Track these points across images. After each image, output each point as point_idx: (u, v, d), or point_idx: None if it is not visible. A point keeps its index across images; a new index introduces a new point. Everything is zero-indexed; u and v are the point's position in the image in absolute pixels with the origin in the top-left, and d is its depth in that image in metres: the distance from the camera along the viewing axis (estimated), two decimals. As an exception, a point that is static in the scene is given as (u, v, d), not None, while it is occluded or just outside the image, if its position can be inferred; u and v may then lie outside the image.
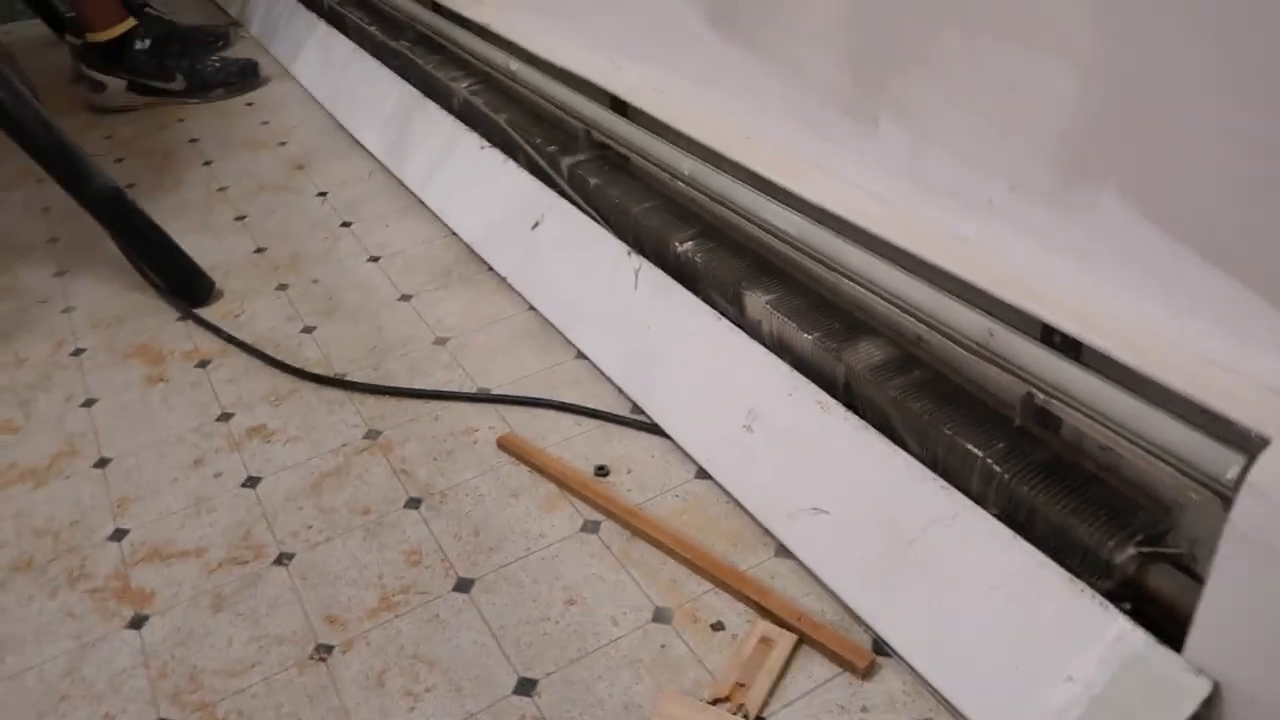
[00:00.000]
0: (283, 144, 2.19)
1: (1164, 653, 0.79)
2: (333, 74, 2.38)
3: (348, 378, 1.40)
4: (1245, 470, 0.70)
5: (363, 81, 2.24)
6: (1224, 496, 0.74)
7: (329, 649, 1.01)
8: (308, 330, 1.52)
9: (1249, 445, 0.73)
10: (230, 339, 1.51)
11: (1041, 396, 0.88)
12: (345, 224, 1.83)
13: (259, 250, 1.77)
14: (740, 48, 1.20)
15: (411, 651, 0.99)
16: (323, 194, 1.95)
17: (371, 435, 1.29)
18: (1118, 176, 0.80)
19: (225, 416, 1.35)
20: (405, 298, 1.58)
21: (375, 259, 1.71)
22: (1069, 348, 0.88)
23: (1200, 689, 0.77)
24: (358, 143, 2.13)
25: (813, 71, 1.09)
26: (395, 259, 1.70)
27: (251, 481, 1.23)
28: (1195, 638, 0.78)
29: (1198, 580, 0.83)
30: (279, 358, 1.45)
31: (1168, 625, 0.82)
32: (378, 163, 2.04)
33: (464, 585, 1.06)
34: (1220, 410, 0.74)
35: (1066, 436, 0.94)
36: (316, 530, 1.15)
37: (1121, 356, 0.81)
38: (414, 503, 1.18)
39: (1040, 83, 0.84)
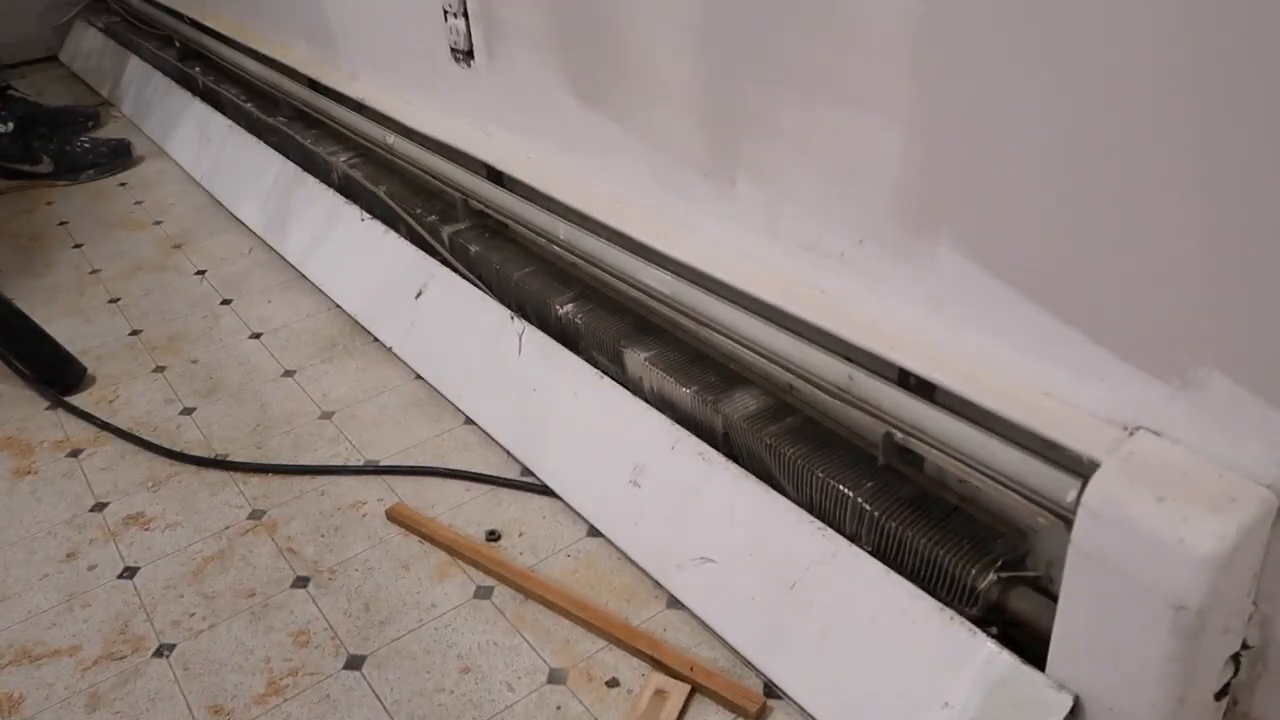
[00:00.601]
0: (158, 223, 2.15)
1: (1028, 672, 0.84)
2: (209, 151, 2.36)
3: (229, 458, 1.37)
4: (1080, 493, 0.76)
5: (240, 158, 2.22)
6: (1066, 519, 0.79)
7: (214, 741, 0.98)
8: (187, 412, 1.49)
9: (1083, 469, 0.78)
10: (104, 425, 1.46)
11: (900, 435, 0.93)
12: (225, 301, 1.80)
13: (134, 332, 1.72)
14: (604, 117, 1.24)
15: (301, 735, 0.97)
16: (201, 272, 1.92)
17: (255, 515, 1.27)
18: (949, 226, 0.86)
19: (99, 506, 1.31)
20: (289, 373, 1.57)
21: (257, 335, 1.68)
22: (923, 388, 0.93)
23: (1063, 704, 0.81)
24: (236, 219, 2.11)
25: (672, 138, 1.14)
26: (278, 334, 1.68)
27: (129, 572, 1.19)
28: (1055, 655, 0.82)
29: (1054, 600, 0.88)
30: (156, 441, 1.41)
31: (1033, 645, 0.87)
32: (258, 238, 2.02)
33: (355, 662, 1.05)
34: (1055, 438, 0.80)
35: (929, 472, 0.99)
36: (199, 618, 1.12)
37: (967, 393, 0.87)
38: (301, 581, 1.16)
39: (872, 141, 0.90)
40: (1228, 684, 0.79)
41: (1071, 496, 0.79)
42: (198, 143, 2.42)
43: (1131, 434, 0.77)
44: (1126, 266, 0.74)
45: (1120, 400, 0.78)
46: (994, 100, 0.78)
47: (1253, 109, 0.63)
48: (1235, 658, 0.78)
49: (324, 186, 1.92)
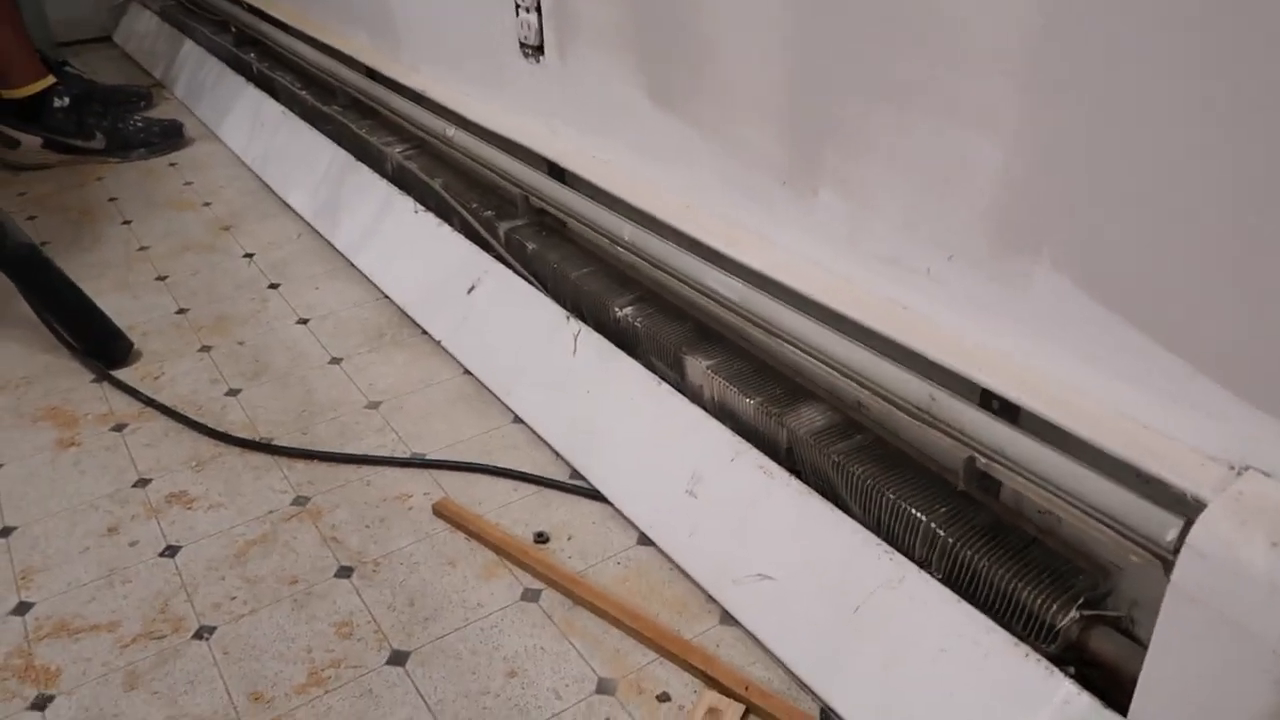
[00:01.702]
0: (207, 204, 2.15)
1: (1110, 716, 0.80)
2: (261, 136, 2.35)
3: (274, 442, 1.35)
4: (1184, 533, 0.72)
5: (292, 144, 2.22)
6: (1163, 559, 0.75)
7: (253, 729, 0.95)
8: (232, 393, 1.47)
9: (1186, 508, 0.75)
10: (149, 401, 1.44)
11: (983, 460, 0.90)
12: (273, 285, 1.79)
13: (181, 311, 1.71)
14: (680, 120, 1.22)
15: (342, 730, 0.94)
16: (249, 255, 1.91)
17: (300, 502, 1.25)
18: (1050, 246, 0.83)
19: (142, 482, 1.29)
20: (336, 360, 1.55)
21: (304, 321, 1.67)
22: (1007, 412, 0.90)
23: (1146, 751, 0.77)
24: (286, 205, 2.10)
25: (750, 143, 1.12)
26: (325, 321, 1.66)
27: (170, 551, 1.17)
28: (1140, 701, 0.79)
29: (1137, 643, 0.84)
30: (201, 420, 1.39)
31: (1110, 689, 0.83)
32: (307, 225, 2.01)
33: (399, 658, 1.02)
34: (1155, 473, 0.77)
35: (1006, 500, 0.96)
36: (240, 602, 1.09)
37: (1058, 420, 0.83)
38: (345, 571, 1.13)
39: (971, 156, 0.87)
40: (1323, 742, 0.76)
41: (1172, 535, 0.75)
42: (250, 128, 2.42)
43: (1240, 474, 0.74)
44: (1244, 295, 0.71)
45: (1228, 437, 0.75)
46: (1107, 118, 0.75)
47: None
48: (1334, 715, 0.74)
49: (377, 176, 1.91)
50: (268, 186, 2.20)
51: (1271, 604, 0.67)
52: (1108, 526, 0.80)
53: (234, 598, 1.10)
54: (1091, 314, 0.82)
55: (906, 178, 0.95)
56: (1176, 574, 0.72)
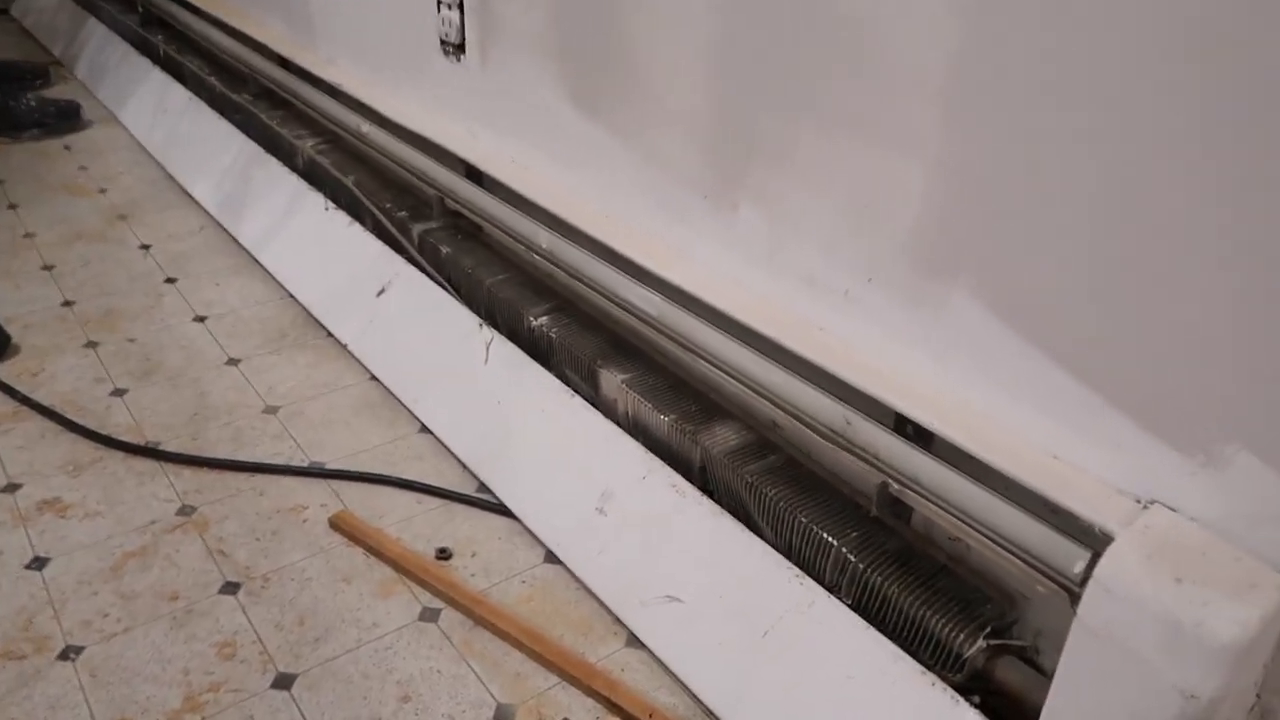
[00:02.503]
0: (104, 191, 2.03)
1: (1013, 747, 0.79)
2: (165, 122, 2.25)
3: (161, 447, 1.27)
4: (1091, 565, 0.72)
5: (198, 132, 2.12)
6: (1070, 590, 0.75)
7: (120, 759, 0.88)
8: (118, 393, 1.38)
9: (1093, 541, 0.75)
10: (25, 399, 1.35)
11: (896, 486, 0.89)
12: (170, 280, 1.70)
13: (67, 304, 1.61)
14: (602, 128, 1.19)
15: (219, 760, 0.88)
16: (146, 246, 1.81)
17: (186, 511, 1.17)
18: (968, 274, 0.83)
19: (11, 487, 1.20)
20: (233, 361, 1.47)
21: (202, 318, 1.58)
22: (922, 438, 0.89)
23: (1047, 784, 0.77)
24: (189, 195, 2.00)
25: (673, 156, 1.10)
26: (224, 319, 1.58)
27: (38, 562, 1.09)
28: (1043, 731, 0.78)
29: (1041, 672, 0.84)
30: (82, 422, 1.31)
31: (1013, 717, 0.83)
32: (210, 217, 1.92)
33: (284, 681, 0.96)
34: (1065, 504, 0.76)
35: (917, 526, 0.95)
36: (114, 619, 1.02)
37: (971, 448, 0.83)
38: (231, 587, 1.07)
39: (892, 179, 0.86)
40: (1218, 775, 0.76)
41: (1079, 568, 0.75)
42: (153, 113, 2.31)
43: (1146, 507, 0.74)
44: (1155, 333, 0.71)
45: (1136, 471, 0.75)
46: (1028, 151, 0.75)
47: (1317, 180, 0.60)
48: (1230, 749, 0.75)
49: (287, 170, 1.83)
50: (170, 175, 2.09)
51: (1175, 640, 0.67)
52: (1016, 556, 0.80)
53: (107, 615, 1.02)
54: (1006, 343, 0.81)
55: (828, 198, 0.93)
56: (1082, 607, 0.72)
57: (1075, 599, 0.73)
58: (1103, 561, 0.70)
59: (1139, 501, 0.75)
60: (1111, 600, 0.70)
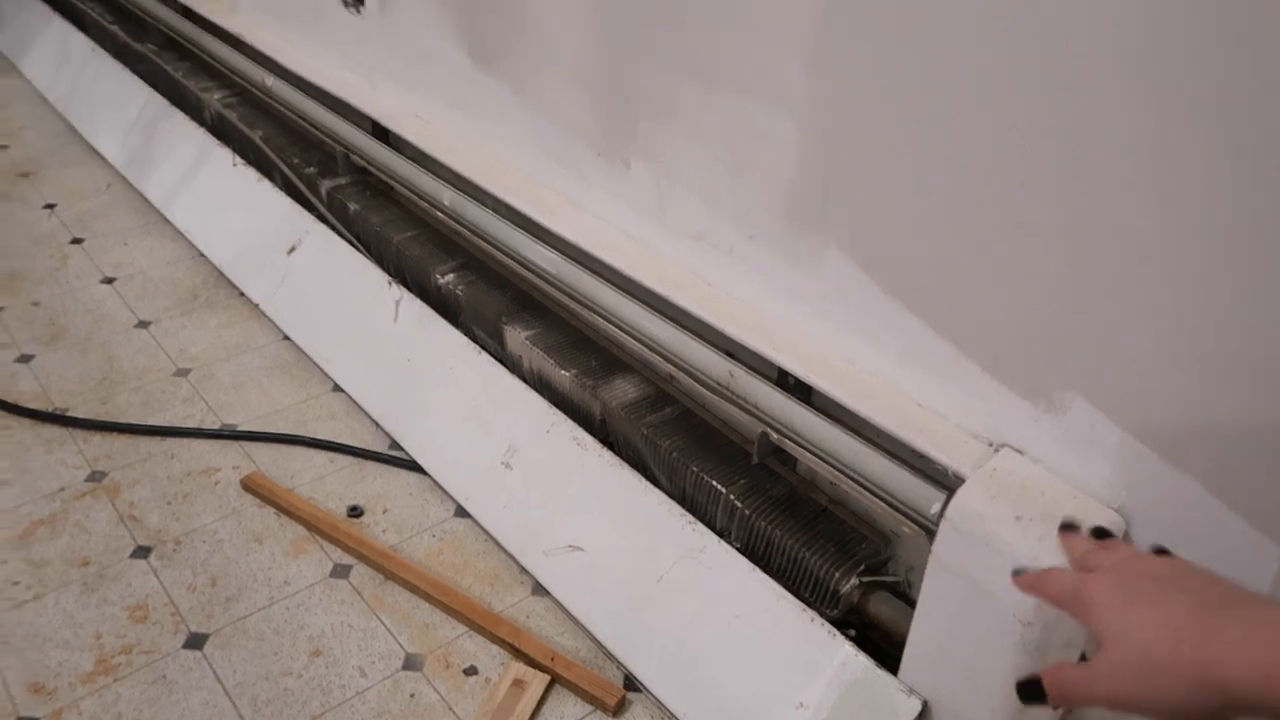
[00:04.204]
0: (4, 147, 1.98)
1: (881, 675, 0.85)
2: (68, 73, 2.18)
3: (69, 413, 1.27)
4: (945, 506, 0.77)
5: (102, 84, 2.06)
6: (929, 530, 0.80)
7: (32, 722, 0.90)
8: (24, 359, 1.37)
9: (949, 483, 0.80)
10: (-73, 369, 1.33)
11: (776, 436, 0.93)
12: (76, 240, 1.67)
13: (-32, 268, 1.58)
14: (500, 83, 1.20)
15: (132, 719, 0.91)
16: (50, 206, 1.77)
17: (95, 477, 1.18)
18: (838, 230, 0.86)
19: (-84, 459, 1.20)
20: (143, 324, 1.46)
21: (110, 280, 1.57)
22: (801, 390, 0.93)
23: (912, 708, 0.83)
24: (94, 150, 1.96)
25: (565, 110, 1.11)
26: (133, 280, 1.57)
27: (-54, 534, 1.09)
28: (908, 660, 0.84)
29: (912, 606, 0.90)
30: (-13, 391, 1.30)
31: (890, 648, 0.89)
32: (117, 174, 1.88)
33: (196, 641, 0.99)
34: (925, 450, 0.81)
35: (802, 472, 1.00)
36: (23, 587, 1.03)
37: (841, 398, 0.87)
38: (142, 551, 1.09)
39: (767, 133, 0.88)
40: (1065, 693, 0.83)
41: (935, 509, 0.80)
42: (55, 63, 2.23)
43: (997, 451, 0.79)
44: (1001, 285, 0.75)
45: (988, 416, 0.80)
46: (884, 105, 0.78)
47: (1130, 125, 0.64)
48: (1074, 668, 0.81)
49: (194, 125, 1.80)
50: (73, 129, 2.04)
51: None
52: (883, 500, 0.85)
53: (16, 583, 1.04)
54: (872, 294, 0.85)
55: (711, 152, 0.96)
56: (936, 545, 0.77)
57: (932, 537, 0.79)
58: (953, 502, 0.76)
59: (991, 445, 0.80)
60: (960, 538, 0.75)
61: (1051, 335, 0.73)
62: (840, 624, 0.90)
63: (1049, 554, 0.71)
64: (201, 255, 1.63)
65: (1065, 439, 0.75)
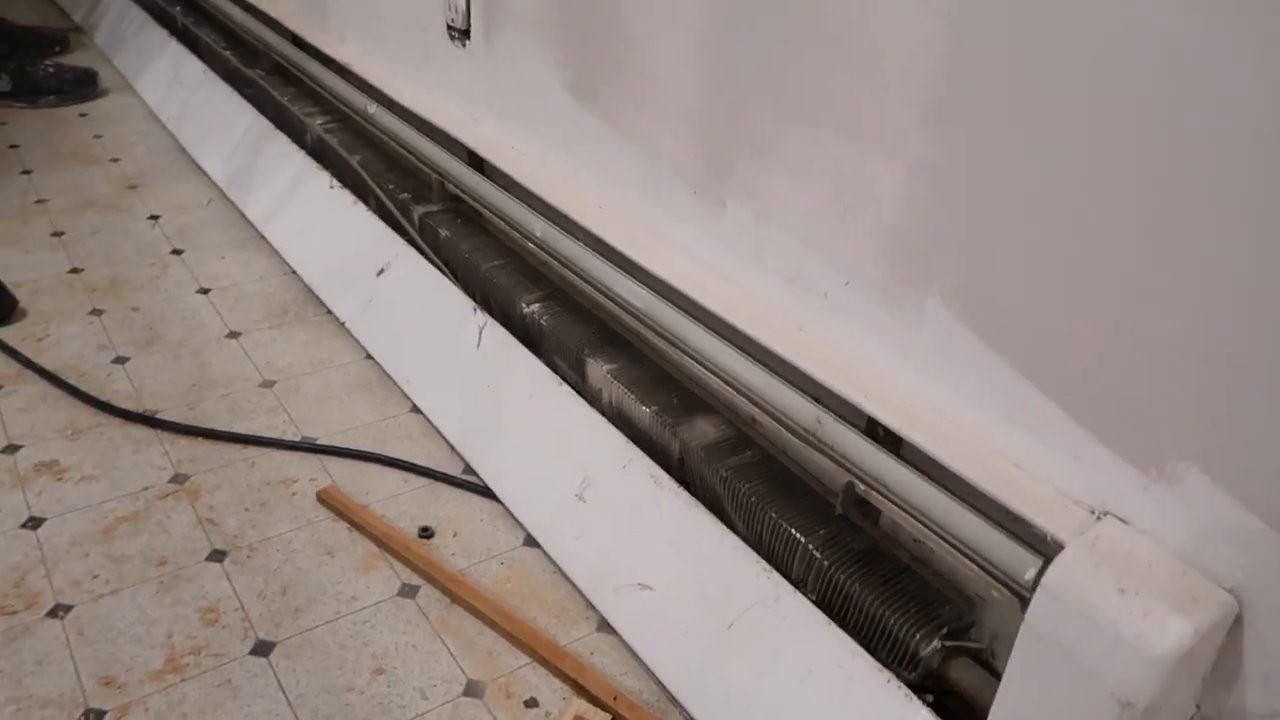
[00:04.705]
0: (116, 160, 2.06)
1: (961, 745, 0.81)
2: (179, 94, 2.27)
3: (158, 415, 1.30)
4: (1041, 572, 0.74)
5: (211, 105, 2.14)
6: (1021, 596, 0.77)
7: (100, 715, 0.91)
8: (120, 361, 1.42)
9: (1046, 549, 0.76)
10: (28, 363, 1.38)
11: (862, 487, 0.91)
12: (176, 251, 1.73)
13: (75, 270, 1.64)
14: (599, 118, 1.21)
15: (195, 721, 0.91)
16: (155, 217, 1.84)
17: (178, 479, 1.20)
18: (940, 280, 0.84)
19: (11, 448, 1.23)
20: (234, 334, 1.50)
21: (205, 291, 1.61)
22: (890, 442, 0.91)
23: (992, 782, 0.79)
24: (199, 168, 2.03)
25: (665, 147, 1.11)
26: (228, 292, 1.61)
27: (33, 522, 1.12)
28: (990, 731, 0.80)
29: (995, 675, 0.86)
30: (83, 388, 1.34)
31: (966, 717, 0.85)
32: (219, 190, 1.94)
33: (263, 648, 0.99)
34: (1022, 513, 0.78)
35: (884, 527, 0.97)
36: (103, 580, 1.05)
37: (936, 453, 0.84)
38: (218, 555, 1.10)
39: (873, 182, 0.88)
40: (1159, 782, 0.78)
41: (1031, 574, 0.77)
42: (168, 84, 2.33)
43: (1099, 518, 0.76)
44: (1118, 348, 0.73)
45: (1092, 482, 0.76)
46: (1002, 161, 0.77)
47: (1260, 210, 0.62)
48: (1170, 757, 0.77)
49: (295, 147, 1.85)
50: (181, 147, 2.12)
51: (1115, 649, 0.68)
52: (973, 561, 0.82)
53: (96, 576, 1.06)
54: (975, 350, 0.83)
55: (814, 197, 0.95)
56: (1030, 612, 0.74)
57: (1025, 604, 0.75)
58: (1051, 569, 0.72)
59: (1093, 512, 0.76)
60: (1058, 607, 0.72)
61: (1167, 403, 0.70)
62: (918, 688, 0.86)
63: (1153, 632, 0.67)
64: (293, 272, 1.67)
65: (1176, 511, 0.71)
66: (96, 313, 1.53)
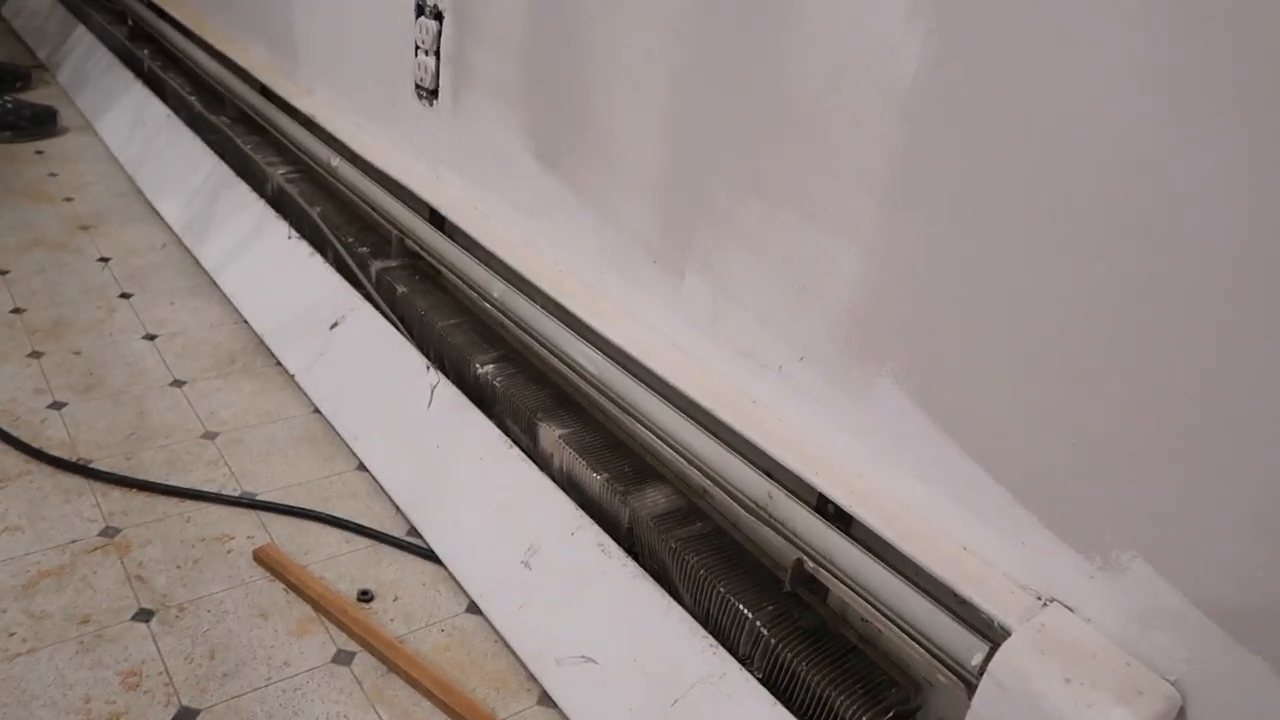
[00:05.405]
0: (69, 200, 2.03)
1: (904, 835, 0.80)
2: (141, 136, 2.25)
3: (92, 464, 1.26)
4: (988, 658, 0.73)
5: (173, 149, 2.12)
6: (967, 682, 0.76)
7: (5, 785, 0.86)
8: (56, 406, 1.37)
9: (993, 634, 0.76)
10: (-41, 406, 1.33)
11: (811, 564, 0.90)
12: (125, 295, 1.69)
13: (16, 310, 1.60)
14: (562, 184, 1.21)
15: (108, 793, 0.87)
16: (105, 259, 1.80)
17: (108, 533, 1.16)
18: (893, 362, 0.85)
19: (-67, 495, 1.18)
20: (178, 383, 1.46)
21: (152, 337, 1.58)
22: (840, 519, 0.90)
23: None
24: (155, 211, 2.00)
25: (626, 216, 1.12)
26: (174, 339, 1.58)
27: (-50, 574, 1.07)
28: (934, 821, 0.79)
29: (940, 761, 0.85)
30: (13, 432, 1.29)
31: (910, 804, 0.83)
32: (174, 235, 1.91)
33: (186, 715, 0.95)
34: (969, 597, 0.78)
35: (833, 605, 0.96)
36: (19, 639, 1.00)
37: (886, 534, 0.84)
38: (145, 614, 1.05)
39: (829, 261, 0.89)
40: None
41: (977, 659, 0.76)
42: (130, 126, 2.31)
43: (1045, 604, 0.75)
44: (1063, 437, 0.73)
45: (1039, 568, 0.76)
46: (951, 249, 0.78)
47: (1204, 303, 0.63)
48: None
49: (255, 195, 1.84)
50: (139, 189, 2.09)
51: (1059, 741, 0.68)
52: (920, 644, 0.81)
53: (13, 634, 1.01)
54: (925, 431, 0.83)
55: (771, 272, 0.96)
56: (977, 699, 0.73)
57: (972, 690, 0.74)
58: (997, 656, 0.72)
59: (1039, 598, 0.76)
60: (1003, 695, 0.71)
61: (1111, 492, 0.71)
62: (863, 773, 0.85)
63: (1098, 722, 0.67)
64: (245, 321, 1.64)
65: (1121, 600, 0.71)
66: (36, 355, 1.48)
